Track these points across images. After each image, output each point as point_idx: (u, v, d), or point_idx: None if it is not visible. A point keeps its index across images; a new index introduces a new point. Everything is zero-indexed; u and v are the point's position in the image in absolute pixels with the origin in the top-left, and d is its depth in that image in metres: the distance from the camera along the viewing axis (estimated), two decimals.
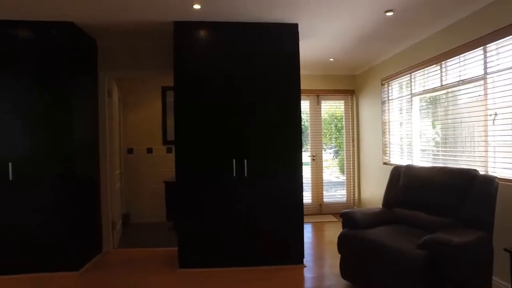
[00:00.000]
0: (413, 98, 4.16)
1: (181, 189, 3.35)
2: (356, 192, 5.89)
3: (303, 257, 3.44)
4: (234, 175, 3.36)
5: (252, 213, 3.38)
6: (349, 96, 5.93)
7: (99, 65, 3.92)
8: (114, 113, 4.23)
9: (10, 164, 3.21)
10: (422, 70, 3.88)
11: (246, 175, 3.37)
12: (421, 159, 4.05)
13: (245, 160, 3.37)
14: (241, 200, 3.38)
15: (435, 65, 3.63)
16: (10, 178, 3.21)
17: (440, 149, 3.72)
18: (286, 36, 3.44)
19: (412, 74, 4.11)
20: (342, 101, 5.98)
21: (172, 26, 3.31)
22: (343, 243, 2.94)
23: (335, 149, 6.26)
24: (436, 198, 2.75)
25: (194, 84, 3.37)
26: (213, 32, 3.39)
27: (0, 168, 3.20)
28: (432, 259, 2.14)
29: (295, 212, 3.43)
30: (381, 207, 3.31)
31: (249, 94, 3.40)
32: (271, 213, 3.39)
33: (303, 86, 3.63)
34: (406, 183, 3.09)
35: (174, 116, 3.40)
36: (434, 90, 3.70)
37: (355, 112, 5.90)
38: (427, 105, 4.01)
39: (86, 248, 3.49)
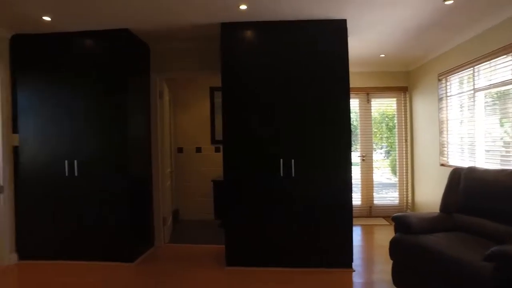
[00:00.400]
0: (477, 94, 3.80)
1: (228, 187, 3.40)
2: (410, 195, 5.54)
3: (352, 261, 3.31)
4: (282, 174, 3.34)
5: (299, 214, 3.33)
6: (402, 94, 5.60)
7: (151, 68, 4.12)
8: (165, 114, 4.41)
9: (75, 161, 3.50)
10: (489, 62, 3.52)
11: (293, 174, 3.33)
12: (486, 161, 3.69)
13: (292, 160, 3.33)
14: (287, 200, 3.34)
15: (505, 56, 3.27)
16: (76, 174, 3.50)
17: (510, 149, 3.36)
18: (334, 32, 3.34)
19: (476, 67, 3.76)
20: (394, 99, 5.67)
21: (219, 28, 3.37)
22: (395, 248, 2.78)
23: (386, 149, 5.96)
24: (504, 205, 2.48)
25: (241, 84, 3.40)
26: (259, 32, 3.39)
27: (67, 165, 3.50)
28: (501, 273, 1.92)
29: (343, 214, 3.31)
30: (438, 212, 3.07)
31: (296, 93, 3.35)
32: (318, 214, 3.31)
33: (352, 84, 3.49)
34: (468, 186, 2.84)
35: (222, 116, 3.45)
36: (503, 83, 3.34)
37: (408, 110, 5.56)
38: (493, 101, 3.64)
39: (140, 241, 3.69)
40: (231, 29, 3.38)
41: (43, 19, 3.23)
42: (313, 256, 3.31)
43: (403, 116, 5.62)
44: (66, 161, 3.52)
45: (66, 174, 3.51)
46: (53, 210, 3.55)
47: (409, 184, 5.55)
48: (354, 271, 3.25)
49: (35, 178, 3.57)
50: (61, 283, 3.03)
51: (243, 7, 3.00)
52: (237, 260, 3.36)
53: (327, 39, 3.35)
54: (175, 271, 3.30)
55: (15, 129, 3.60)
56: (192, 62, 4.08)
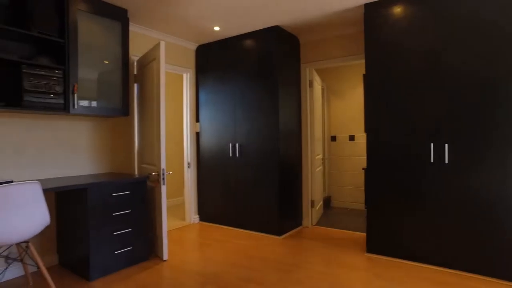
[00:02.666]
0: None
1: (371, 175, 3.29)
2: None
3: None
4: (432, 161, 2.96)
5: (453, 209, 2.87)
6: None
7: (301, 59, 4.40)
8: (316, 102, 4.62)
9: (236, 144, 4.20)
10: None
11: (446, 161, 2.90)
12: None
13: (446, 145, 2.90)
14: (439, 193, 2.94)
15: None
16: (237, 155, 4.20)
17: None
18: None
19: None
20: None
21: (362, 10, 3.28)
22: None
23: None
24: None
25: (386, 67, 3.20)
26: (409, 6, 3.09)
27: (231, 147, 4.24)
28: None
29: None
30: None
31: (459, 74, 2.88)
32: (478, 213, 2.76)
33: None
34: None
35: (364, 102, 3.36)
36: None
37: None
38: None
39: (287, 219, 4.06)
40: (375, 8, 3.22)
41: (214, 29, 4.02)
42: (463, 259, 2.79)
43: None
44: (230, 144, 4.26)
45: (230, 155, 4.26)
46: (221, 184, 4.37)
47: None
48: None
49: (209, 158, 4.50)
50: (222, 240, 3.74)
51: None
52: (378, 249, 3.23)
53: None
54: (314, 248, 3.48)
55: (197, 119, 4.64)
56: (341, 49, 4.11)
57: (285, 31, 4.06)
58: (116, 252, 2.84)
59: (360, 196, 5.41)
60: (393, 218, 3.16)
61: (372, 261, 3.13)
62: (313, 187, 4.46)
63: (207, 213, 4.57)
